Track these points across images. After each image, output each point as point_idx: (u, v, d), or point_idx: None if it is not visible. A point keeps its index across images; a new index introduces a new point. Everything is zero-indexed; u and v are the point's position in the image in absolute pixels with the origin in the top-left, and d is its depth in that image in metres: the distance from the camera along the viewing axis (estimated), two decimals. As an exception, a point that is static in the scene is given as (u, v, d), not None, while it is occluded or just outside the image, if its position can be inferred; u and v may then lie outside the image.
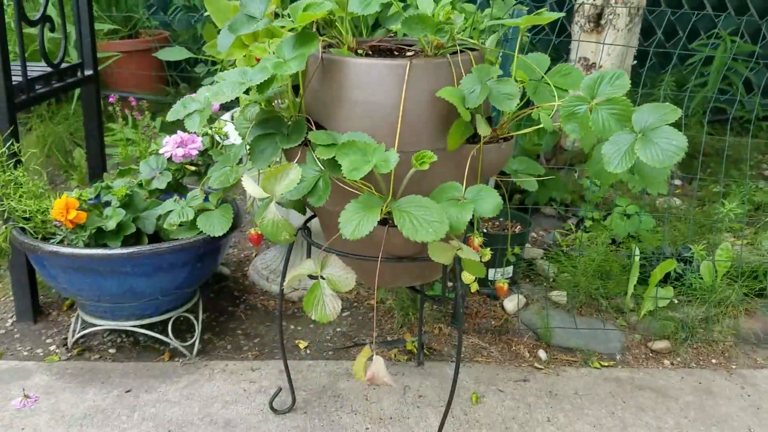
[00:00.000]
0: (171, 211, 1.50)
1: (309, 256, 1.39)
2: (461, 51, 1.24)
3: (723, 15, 3.78)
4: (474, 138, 1.26)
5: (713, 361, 1.87)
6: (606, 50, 2.98)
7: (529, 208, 2.29)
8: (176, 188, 1.74)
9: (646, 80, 3.78)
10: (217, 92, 1.15)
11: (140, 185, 1.70)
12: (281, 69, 1.13)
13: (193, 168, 1.74)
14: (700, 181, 2.99)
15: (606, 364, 1.83)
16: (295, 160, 1.25)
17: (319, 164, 1.20)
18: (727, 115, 3.44)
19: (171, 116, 1.28)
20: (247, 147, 1.26)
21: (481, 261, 1.26)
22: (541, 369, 1.79)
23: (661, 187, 1.24)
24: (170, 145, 1.63)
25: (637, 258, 1.98)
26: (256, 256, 2.30)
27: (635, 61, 3.25)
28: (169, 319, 1.73)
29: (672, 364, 1.86)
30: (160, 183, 1.68)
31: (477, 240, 1.29)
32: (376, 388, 1.66)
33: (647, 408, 1.65)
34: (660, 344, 1.90)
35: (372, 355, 1.27)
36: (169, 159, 1.69)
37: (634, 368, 1.83)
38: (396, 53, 1.32)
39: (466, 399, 1.64)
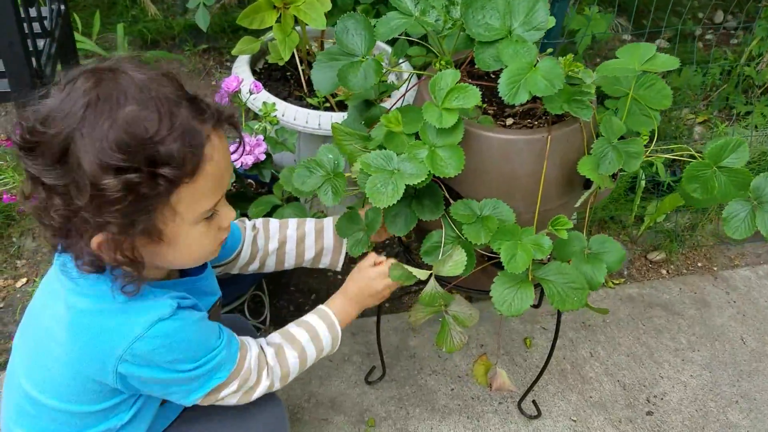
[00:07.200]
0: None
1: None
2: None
3: None
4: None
5: (699, 264, 2.22)
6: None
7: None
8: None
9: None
10: (373, 190, 1.14)
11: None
12: (440, 171, 1.13)
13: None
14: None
15: (617, 282, 2.13)
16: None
17: (456, 231, 1.26)
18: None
19: (296, 183, 1.26)
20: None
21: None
22: (570, 297, 2.05)
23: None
24: (238, 154, 1.56)
25: (642, 182, 2.19)
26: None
27: None
28: (245, 300, 1.79)
29: (668, 272, 2.18)
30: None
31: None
32: (444, 344, 1.87)
33: (663, 329, 1.99)
34: (657, 255, 2.21)
35: (495, 367, 1.46)
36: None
37: (639, 283, 2.14)
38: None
39: (519, 344, 1.90)
